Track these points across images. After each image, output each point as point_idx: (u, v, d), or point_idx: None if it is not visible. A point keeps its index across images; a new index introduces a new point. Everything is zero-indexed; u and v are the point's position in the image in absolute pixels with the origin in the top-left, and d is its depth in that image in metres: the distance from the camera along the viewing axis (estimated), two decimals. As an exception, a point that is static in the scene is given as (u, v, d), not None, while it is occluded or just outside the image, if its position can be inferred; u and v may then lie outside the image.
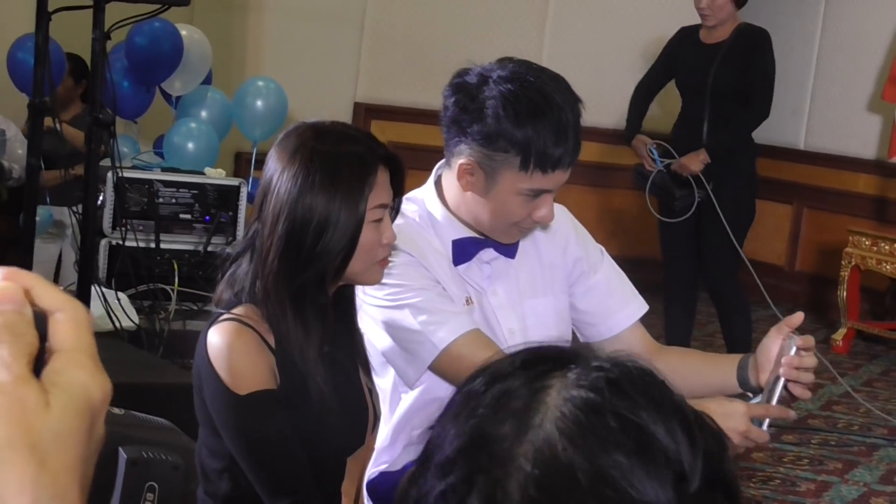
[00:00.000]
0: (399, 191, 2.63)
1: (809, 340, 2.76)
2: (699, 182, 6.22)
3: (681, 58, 6.44)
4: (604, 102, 8.86)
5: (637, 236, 8.69)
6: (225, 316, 2.51)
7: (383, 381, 3.00)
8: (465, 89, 2.78)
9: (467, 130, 2.77)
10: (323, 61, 8.45)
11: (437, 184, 2.96)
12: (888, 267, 7.68)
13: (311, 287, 2.52)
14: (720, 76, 6.20)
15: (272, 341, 2.51)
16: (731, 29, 6.29)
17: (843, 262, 7.90)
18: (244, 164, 7.43)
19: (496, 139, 2.74)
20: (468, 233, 2.92)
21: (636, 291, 3.12)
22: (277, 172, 2.52)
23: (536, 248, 3.01)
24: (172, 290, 5.88)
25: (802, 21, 9.44)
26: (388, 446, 3.02)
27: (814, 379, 2.75)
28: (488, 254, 2.94)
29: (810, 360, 2.74)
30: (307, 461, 2.56)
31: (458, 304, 2.88)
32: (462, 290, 2.92)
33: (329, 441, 2.63)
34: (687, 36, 6.46)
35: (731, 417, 2.65)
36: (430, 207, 2.94)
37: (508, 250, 2.96)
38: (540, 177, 2.75)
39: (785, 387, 2.74)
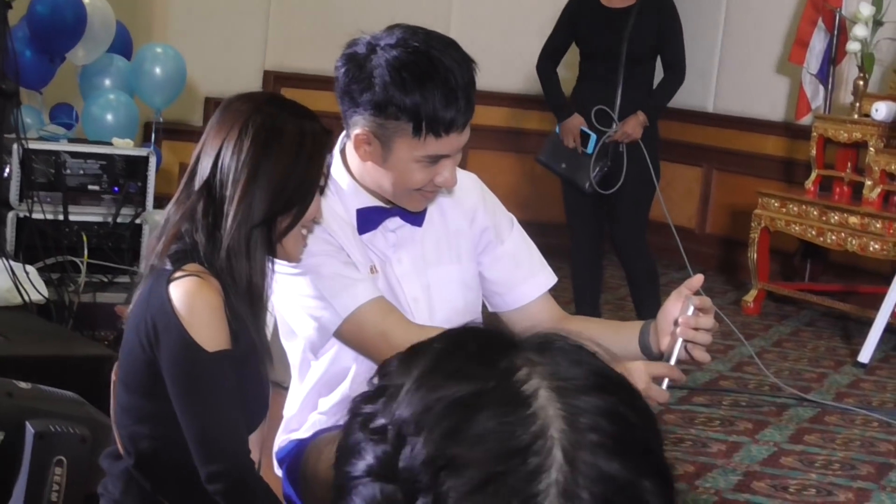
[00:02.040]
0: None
1: (706, 301, 2.78)
2: (632, 148, 6.24)
3: (583, 23, 6.40)
4: (512, 66, 8.89)
5: (548, 201, 8.72)
6: (181, 273, 2.55)
7: (292, 346, 3.00)
8: (354, 59, 2.78)
9: (358, 100, 2.77)
10: (231, 28, 8.40)
11: (342, 153, 2.96)
12: (797, 228, 7.75)
13: (263, 243, 2.60)
14: (635, 41, 6.21)
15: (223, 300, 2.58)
16: (636, -5, 6.30)
17: (752, 224, 7.97)
18: (149, 133, 7.35)
19: (386, 107, 2.74)
20: (373, 202, 2.92)
21: (545, 262, 3.12)
22: (231, 137, 2.58)
23: (443, 215, 3.01)
24: (82, 262, 5.83)
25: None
26: (297, 414, 3.02)
27: (710, 340, 2.77)
28: (394, 222, 2.94)
29: (707, 320, 2.76)
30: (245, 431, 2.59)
31: (362, 271, 2.88)
32: (366, 258, 2.91)
33: (253, 405, 2.64)
34: (586, 2, 6.43)
35: (630, 375, 2.67)
36: (336, 176, 2.93)
37: (415, 218, 2.95)
38: (434, 141, 2.76)
39: (685, 349, 2.76)
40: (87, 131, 6.41)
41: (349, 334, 2.83)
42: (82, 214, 5.99)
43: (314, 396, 2.98)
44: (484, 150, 8.51)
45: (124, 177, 6.14)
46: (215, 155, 2.58)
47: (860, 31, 7.70)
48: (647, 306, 6.28)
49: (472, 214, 3.04)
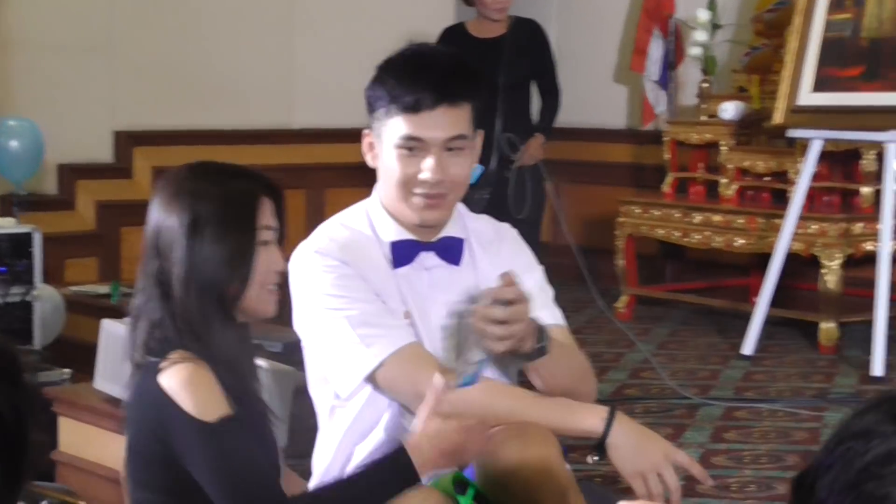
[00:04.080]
0: (282, 220, 2.73)
1: (505, 292, 2.79)
2: (534, 168, 6.36)
3: None
4: (360, 102, 8.90)
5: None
6: (167, 363, 2.57)
7: (321, 393, 3.01)
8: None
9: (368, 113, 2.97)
10: (77, 94, 8.25)
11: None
12: (661, 232, 7.95)
13: (220, 314, 2.62)
14: (511, 70, 6.31)
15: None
16: (506, 23, 6.40)
17: (617, 232, 8.14)
18: (9, 206, 7.23)
19: (375, 101, 2.93)
20: (406, 234, 2.98)
21: (555, 306, 3.15)
22: (164, 216, 2.63)
23: (474, 263, 3.05)
24: (-23, 347, 5.73)
25: (538, 5, 9.69)
26: (332, 464, 3.00)
27: (504, 333, 2.76)
28: (430, 259, 2.99)
29: (498, 311, 2.75)
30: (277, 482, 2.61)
31: (396, 317, 2.92)
32: (400, 303, 2.95)
33: (270, 467, 2.66)
34: (456, 35, 6.49)
35: None
36: (372, 214, 3.03)
37: (451, 257, 3.00)
38: (409, 118, 2.88)
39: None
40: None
41: (383, 380, 2.87)
42: (-30, 299, 5.87)
43: (348, 445, 2.98)
44: (341, 187, 8.52)
45: (10, 256, 6.04)
46: (155, 238, 2.65)
47: (700, 35, 7.95)
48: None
49: (503, 267, 3.06)
